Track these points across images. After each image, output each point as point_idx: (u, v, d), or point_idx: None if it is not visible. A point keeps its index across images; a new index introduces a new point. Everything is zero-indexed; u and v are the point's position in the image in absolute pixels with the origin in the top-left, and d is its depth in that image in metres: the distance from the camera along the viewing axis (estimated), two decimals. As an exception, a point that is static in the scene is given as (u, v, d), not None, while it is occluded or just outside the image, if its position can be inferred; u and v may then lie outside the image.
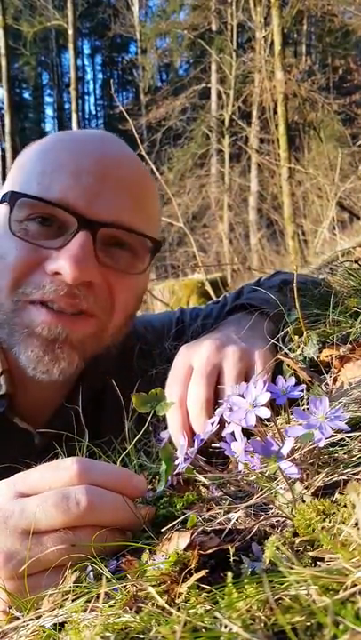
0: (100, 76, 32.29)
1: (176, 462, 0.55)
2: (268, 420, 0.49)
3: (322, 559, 0.36)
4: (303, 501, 0.43)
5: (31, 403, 0.88)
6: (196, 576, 0.37)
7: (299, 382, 0.55)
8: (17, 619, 0.46)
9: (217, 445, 0.55)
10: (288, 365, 0.67)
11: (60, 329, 0.76)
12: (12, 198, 0.76)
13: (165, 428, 0.71)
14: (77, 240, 0.74)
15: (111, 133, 0.91)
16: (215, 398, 0.67)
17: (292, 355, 0.73)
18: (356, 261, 0.96)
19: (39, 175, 0.78)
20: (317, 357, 0.70)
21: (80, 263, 0.73)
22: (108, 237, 0.79)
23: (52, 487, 0.51)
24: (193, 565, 0.38)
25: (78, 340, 0.78)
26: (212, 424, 0.57)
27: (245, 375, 0.69)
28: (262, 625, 0.31)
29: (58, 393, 0.89)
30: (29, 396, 0.87)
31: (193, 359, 0.71)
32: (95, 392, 0.92)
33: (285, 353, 0.70)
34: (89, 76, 32.04)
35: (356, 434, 0.48)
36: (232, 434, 0.52)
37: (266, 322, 0.79)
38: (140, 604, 0.38)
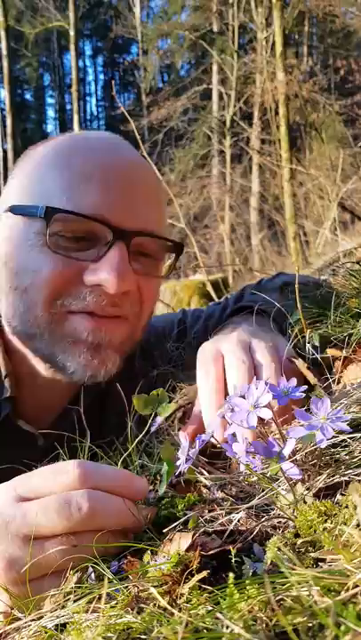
0: (101, 77, 32.37)
1: (177, 463, 0.55)
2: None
3: (323, 560, 0.36)
4: (305, 502, 0.43)
5: (35, 405, 0.88)
6: (197, 577, 0.37)
7: (302, 383, 0.55)
8: (19, 619, 0.46)
9: (219, 446, 0.55)
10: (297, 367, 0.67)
11: (103, 333, 0.78)
12: (49, 213, 0.75)
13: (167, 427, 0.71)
14: (116, 252, 0.76)
15: (117, 135, 0.92)
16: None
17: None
18: (357, 262, 0.95)
19: (66, 187, 0.77)
20: (320, 358, 0.70)
21: (122, 274, 0.75)
22: (136, 245, 0.80)
23: (53, 491, 0.51)
24: (194, 566, 0.38)
25: (119, 342, 0.81)
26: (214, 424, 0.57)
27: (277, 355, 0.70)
28: (264, 626, 0.31)
29: (62, 396, 0.90)
30: (34, 398, 0.87)
31: (222, 347, 0.73)
32: (98, 393, 0.92)
33: (294, 356, 0.70)
34: (90, 77, 32.10)
35: (358, 435, 0.48)
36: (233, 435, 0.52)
37: (269, 323, 0.80)
38: (142, 605, 0.38)
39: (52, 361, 0.81)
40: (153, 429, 0.65)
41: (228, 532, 0.43)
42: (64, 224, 0.76)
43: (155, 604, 0.37)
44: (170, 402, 0.64)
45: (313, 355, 0.71)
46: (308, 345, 0.72)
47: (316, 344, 0.71)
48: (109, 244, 0.76)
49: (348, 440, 0.48)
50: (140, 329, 0.86)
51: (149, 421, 0.66)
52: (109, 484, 0.51)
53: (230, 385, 0.68)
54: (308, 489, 0.44)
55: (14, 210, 0.81)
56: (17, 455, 0.70)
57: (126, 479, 0.53)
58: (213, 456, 0.64)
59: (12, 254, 0.81)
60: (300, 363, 0.67)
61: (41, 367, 0.85)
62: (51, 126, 31.27)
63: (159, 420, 0.64)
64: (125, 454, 0.67)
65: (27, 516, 0.49)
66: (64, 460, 0.71)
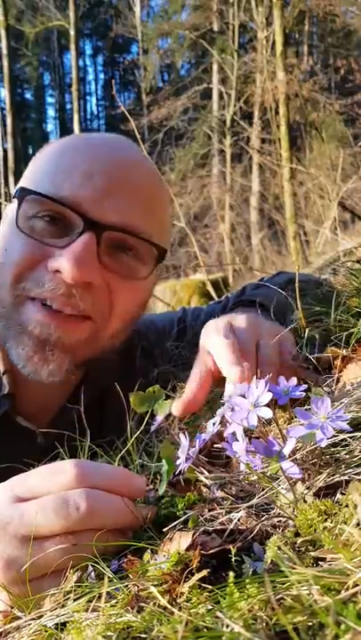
0: (101, 76, 32.35)
1: (177, 462, 0.55)
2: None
3: (323, 559, 0.36)
4: (305, 501, 0.43)
5: (34, 403, 0.88)
6: (197, 576, 0.37)
7: (301, 382, 0.55)
8: (19, 618, 0.46)
9: (219, 446, 0.55)
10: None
11: (52, 330, 0.76)
12: (22, 194, 0.77)
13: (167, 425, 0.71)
14: (81, 240, 0.75)
15: (126, 139, 0.92)
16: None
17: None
18: (358, 261, 0.95)
19: (52, 174, 0.79)
20: (319, 358, 0.70)
21: (80, 263, 0.73)
22: (114, 240, 0.79)
23: (51, 491, 0.50)
24: (195, 565, 0.38)
25: (70, 343, 0.78)
26: (214, 424, 0.57)
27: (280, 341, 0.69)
28: (264, 625, 0.31)
29: (60, 393, 0.90)
30: (32, 396, 0.87)
31: (232, 320, 0.71)
32: (98, 392, 0.92)
33: (295, 356, 0.70)
34: (91, 77, 32.09)
35: (358, 434, 0.48)
36: (234, 434, 0.52)
37: (270, 317, 0.79)
38: (142, 604, 0.38)
39: (5, 348, 0.80)
40: (153, 429, 0.65)
41: (228, 532, 0.43)
42: (39, 207, 0.77)
43: (155, 603, 0.37)
44: (167, 399, 0.64)
45: (313, 353, 0.71)
46: (307, 343, 0.72)
47: (317, 347, 0.71)
48: (79, 233, 0.75)
49: (349, 439, 0.48)
50: (106, 333, 0.82)
51: (146, 419, 0.66)
52: (107, 482, 0.51)
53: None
54: (308, 488, 0.44)
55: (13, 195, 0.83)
56: (16, 453, 0.70)
57: (125, 477, 0.53)
58: (213, 455, 0.64)
59: (1, 235, 0.84)
60: (298, 361, 0.67)
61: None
62: (51, 125, 31.30)
63: (159, 419, 0.64)
64: (123, 451, 0.67)
65: (25, 516, 0.49)
66: (63, 458, 0.71)
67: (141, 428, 0.67)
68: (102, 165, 0.79)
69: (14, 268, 0.77)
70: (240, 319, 0.71)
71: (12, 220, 0.80)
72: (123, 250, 0.81)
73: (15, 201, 0.80)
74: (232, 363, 0.61)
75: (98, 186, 0.77)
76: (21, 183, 0.84)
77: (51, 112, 31.76)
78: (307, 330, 0.73)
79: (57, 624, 0.42)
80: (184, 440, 0.52)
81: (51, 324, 0.75)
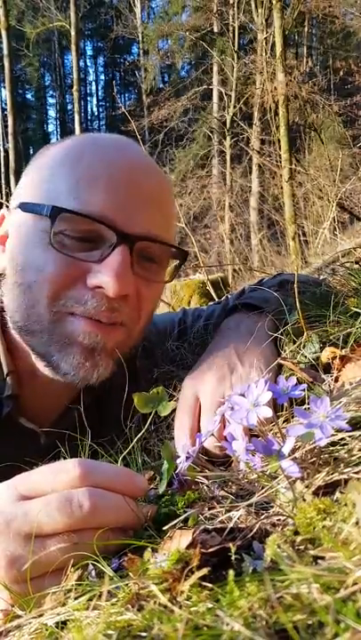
0: (102, 77, 32.38)
1: (177, 461, 0.56)
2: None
3: (323, 557, 0.36)
4: (304, 500, 0.43)
5: (37, 404, 0.89)
6: (197, 574, 0.37)
7: (300, 382, 0.56)
8: (19, 617, 0.47)
9: (218, 444, 0.55)
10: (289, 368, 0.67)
11: (98, 338, 0.78)
12: (54, 212, 0.76)
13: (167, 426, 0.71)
14: (118, 255, 0.76)
15: (127, 138, 0.92)
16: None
17: (293, 355, 0.74)
18: (356, 262, 0.96)
19: (73, 189, 0.78)
20: (318, 358, 0.70)
21: (122, 278, 0.75)
22: (139, 249, 0.81)
23: (55, 489, 0.51)
24: (195, 563, 0.38)
25: (112, 347, 0.81)
26: (214, 423, 0.57)
27: None
28: (264, 623, 0.31)
29: (64, 395, 0.90)
30: (35, 397, 0.88)
31: (199, 392, 0.74)
32: (99, 392, 0.92)
33: (285, 357, 0.71)
34: (91, 78, 32.11)
35: (357, 433, 0.48)
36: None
37: (266, 322, 0.80)
38: (142, 602, 0.38)
39: (47, 359, 0.81)
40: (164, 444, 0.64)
41: (228, 530, 0.43)
42: (69, 224, 0.77)
43: (155, 602, 0.37)
44: (170, 400, 0.64)
45: (311, 355, 0.71)
46: (307, 345, 0.73)
47: (316, 347, 0.72)
48: (113, 247, 0.77)
49: (348, 438, 0.48)
50: (135, 334, 0.86)
51: (149, 420, 0.66)
52: (110, 481, 0.51)
53: (203, 429, 0.69)
54: (307, 487, 0.44)
55: (23, 207, 0.82)
56: (19, 453, 0.70)
57: (127, 477, 0.53)
58: (214, 455, 0.64)
59: (18, 250, 0.82)
60: (291, 364, 0.67)
61: (39, 365, 0.85)
62: (52, 126, 31.32)
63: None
64: (125, 452, 0.67)
65: (28, 514, 0.49)
66: (65, 458, 0.72)
67: (144, 429, 0.68)
68: (123, 175, 0.80)
69: (51, 285, 0.77)
70: (210, 378, 0.74)
71: (38, 235, 0.79)
72: (147, 255, 0.83)
73: (40, 216, 0.78)
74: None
75: (123, 199, 0.79)
76: (32, 193, 0.82)
77: (52, 113, 31.80)
78: (305, 331, 0.74)
79: (57, 622, 0.42)
80: (184, 439, 0.52)
81: (97, 333, 0.78)
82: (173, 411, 0.79)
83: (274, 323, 0.81)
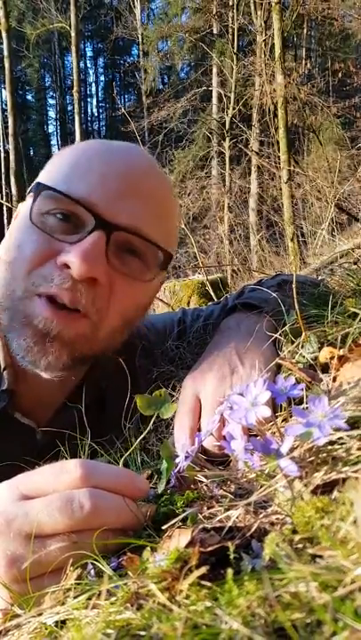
0: (102, 78, 32.40)
1: (176, 461, 0.56)
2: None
3: (321, 556, 0.37)
4: (302, 499, 0.43)
5: (34, 400, 0.89)
6: (196, 573, 0.37)
7: (298, 382, 0.56)
8: (19, 616, 0.47)
9: (217, 444, 0.56)
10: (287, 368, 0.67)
11: (54, 324, 0.77)
12: (38, 189, 0.79)
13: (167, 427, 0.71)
14: (91, 237, 0.77)
15: (143, 149, 0.95)
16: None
17: (291, 356, 0.74)
18: (355, 262, 0.96)
19: (68, 174, 0.81)
20: (316, 358, 0.70)
21: (88, 259, 0.75)
22: (122, 242, 0.80)
23: (56, 490, 0.51)
24: (194, 562, 0.38)
25: (69, 337, 0.79)
26: (213, 423, 0.57)
27: None
28: (262, 621, 0.31)
29: (60, 391, 0.90)
30: (32, 393, 0.88)
31: (200, 392, 0.74)
32: (98, 391, 0.92)
33: (283, 356, 0.71)
34: (91, 79, 32.13)
35: (355, 432, 0.48)
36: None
37: (265, 322, 0.80)
38: (142, 601, 0.38)
39: (5, 337, 0.82)
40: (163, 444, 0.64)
41: (226, 529, 0.43)
42: (54, 203, 0.79)
43: (154, 601, 0.37)
44: (171, 401, 0.64)
45: (309, 355, 0.71)
46: (305, 345, 0.73)
47: (314, 347, 0.72)
48: (90, 231, 0.77)
49: (346, 437, 0.48)
50: (103, 331, 0.82)
51: (151, 421, 0.66)
52: (111, 483, 0.52)
53: (203, 429, 0.69)
54: (305, 486, 0.45)
55: (28, 193, 0.86)
56: (15, 450, 0.70)
57: (128, 478, 0.53)
58: (212, 453, 0.64)
59: (10, 231, 0.85)
60: (289, 364, 0.67)
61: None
62: (52, 127, 31.29)
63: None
64: (127, 454, 0.68)
65: (29, 514, 0.50)
66: (64, 456, 0.72)
67: (145, 431, 0.68)
68: (117, 169, 0.81)
69: (26, 262, 0.79)
70: (211, 379, 0.73)
71: (24, 215, 0.82)
72: (130, 252, 0.83)
73: (30, 195, 0.82)
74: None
75: (112, 188, 0.79)
76: (38, 180, 0.86)
77: (52, 114, 31.79)
78: (304, 331, 0.74)
79: (57, 621, 0.42)
80: (183, 438, 0.52)
81: (53, 319, 0.77)
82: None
83: (273, 323, 0.81)
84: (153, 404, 0.62)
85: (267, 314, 0.82)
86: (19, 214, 0.87)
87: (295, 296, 0.76)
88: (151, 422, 0.66)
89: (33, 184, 0.84)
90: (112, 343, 0.86)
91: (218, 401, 0.70)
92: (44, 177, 0.86)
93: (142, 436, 0.67)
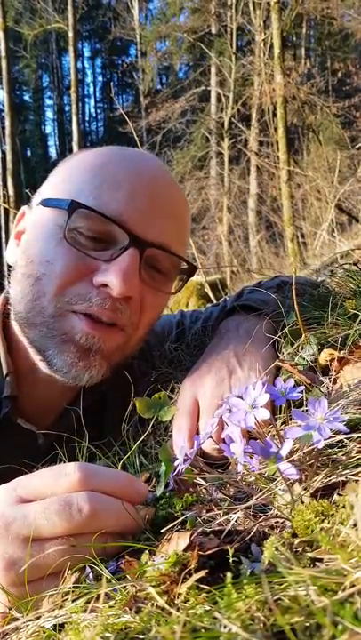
0: (100, 78, 32.39)
1: (175, 463, 0.55)
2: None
3: (321, 560, 0.37)
4: (302, 502, 0.43)
5: (36, 405, 0.89)
6: (195, 576, 0.37)
7: (298, 384, 0.56)
8: (17, 619, 0.46)
9: (216, 447, 0.55)
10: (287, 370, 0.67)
11: (96, 340, 0.79)
12: (73, 206, 0.78)
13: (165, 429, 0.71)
14: (128, 256, 0.77)
15: (151, 153, 0.95)
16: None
17: (291, 357, 0.74)
18: (355, 264, 0.96)
19: (95, 189, 0.80)
20: (316, 360, 0.70)
21: (129, 279, 0.76)
22: (149, 257, 0.82)
23: (54, 493, 0.51)
24: (192, 566, 0.38)
25: (109, 350, 0.81)
26: (212, 426, 0.57)
27: None
28: (261, 625, 0.31)
29: (62, 396, 0.90)
30: (34, 398, 0.88)
31: (198, 394, 0.74)
32: (98, 394, 0.92)
33: (283, 358, 0.71)
34: (89, 79, 32.13)
35: (355, 435, 0.48)
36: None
37: (264, 323, 0.80)
38: (140, 605, 0.38)
39: (43, 353, 0.82)
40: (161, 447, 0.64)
41: (225, 532, 0.43)
42: (85, 221, 0.78)
43: (153, 604, 0.37)
44: (170, 404, 0.64)
45: (309, 356, 0.71)
46: (304, 348, 0.73)
47: (314, 349, 0.72)
48: (124, 249, 0.78)
49: (346, 440, 0.48)
50: (133, 341, 0.86)
51: (151, 423, 0.66)
52: (110, 486, 0.51)
53: (201, 431, 0.70)
54: (305, 489, 0.44)
55: (44, 203, 0.84)
56: (17, 454, 0.70)
57: (127, 482, 0.53)
58: (212, 457, 0.64)
59: (32, 243, 0.84)
60: (289, 367, 0.67)
61: (36, 359, 0.85)
62: (49, 127, 31.27)
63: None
64: (125, 457, 0.67)
65: (27, 517, 0.49)
66: (64, 460, 0.72)
67: (145, 434, 0.68)
68: (145, 184, 0.82)
69: (59, 279, 0.78)
70: (209, 381, 0.73)
71: (53, 229, 0.80)
72: (155, 266, 0.85)
73: (58, 211, 0.80)
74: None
75: (141, 206, 0.81)
76: (54, 191, 0.85)
77: (49, 114, 31.78)
78: (304, 332, 0.74)
79: (55, 625, 0.42)
80: (182, 441, 0.52)
81: (95, 335, 0.78)
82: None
83: (272, 325, 0.81)
84: (152, 406, 0.62)
85: (266, 316, 0.82)
86: (36, 226, 0.85)
87: (295, 297, 0.76)
88: (150, 425, 0.66)
89: (60, 199, 0.81)
90: (136, 350, 0.90)
91: (216, 403, 0.70)
92: (62, 188, 0.84)
93: (141, 439, 0.67)
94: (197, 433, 0.70)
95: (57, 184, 0.86)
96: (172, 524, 0.47)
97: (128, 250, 0.78)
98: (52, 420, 0.90)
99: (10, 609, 0.48)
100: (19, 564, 0.48)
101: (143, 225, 0.80)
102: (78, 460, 0.73)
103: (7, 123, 12.62)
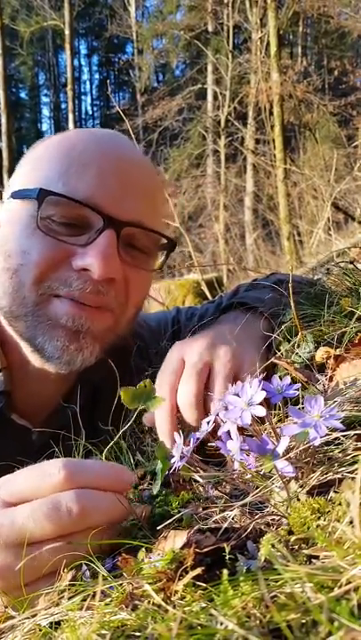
0: (96, 76, 32.27)
1: (172, 461, 0.55)
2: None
3: (317, 557, 0.37)
4: (298, 500, 0.43)
5: (30, 401, 0.89)
6: (192, 574, 0.37)
7: (294, 382, 0.56)
8: (13, 617, 0.46)
9: (213, 444, 0.55)
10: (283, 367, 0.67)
11: (83, 320, 0.78)
12: (42, 195, 0.77)
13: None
14: (104, 238, 0.77)
15: (120, 133, 0.93)
16: (204, 395, 0.69)
17: (287, 355, 0.74)
18: (351, 262, 0.96)
19: (63, 174, 0.79)
20: (312, 357, 0.70)
21: (108, 260, 0.76)
22: (127, 236, 0.81)
23: (41, 494, 0.49)
24: (189, 563, 0.38)
25: (99, 331, 0.80)
26: (208, 423, 0.57)
27: (235, 375, 0.70)
28: (258, 622, 0.31)
29: (56, 391, 0.90)
30: (28, 394, 0.87)
31: (186, 354, 0.73)
32: (92, 390, 0.92)
33: (280, 356, 0.71)
34: (85, 77, 32.04)
35: (351, 433, 0.48)
36: (228, 432, 0.52)
37: (261, 321, 0.80)
38: (137, 602, 0.38)
39: (33, 343, 0.81)
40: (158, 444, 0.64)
41: (222, 530, 0.43)
42: (57, 208, 0.78)
43: (149, 601, 0.37)
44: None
45: (305, 354, 0.71)
46: (301, 345, 0.73)
47: (310, 346, 0.72)
48: (99, 231, 0.77)
49: (342, 438, 0.48)
50: (124, 321, 0.86)
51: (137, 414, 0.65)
52: (97, 480, 0.50)
53: (183, 384, 0.70)
54: (301, 486, 0.45)
55: (15, 195, 0.83)
56: (11, 450, 0.70)
57: (114, 472, 0.52)
58: (208, 454, 0.64)
59: (8, 237, 0.83)
60: (285, 364, 0.67)
61: (27, 351, 0.85)
62: (45, 125, 31.18)
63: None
64: (110, 445, 0.67)
65: (15, 522, 0.48)
66: (58, 456, 0.71)
67: (128, 424, 0.67)
68: (112, 163, 0.81)
69: (36, 269, 0.78)
70: (198, 347, 0.73)
71: (26, 220, 0.80)
72: (134, 244, 0.84)
73: (23, 201, 0.80)
74: (160, 424, 0.70)
75: (112, 185, 0.80)
76: (24, 181, 0.84)
77: (45, 111, 31.67)
78: (300, 330, 0.74)
79: (51, 623, 0.42)
80: (178, 439, 0.52)
81: (82, 315, 0.78)
82: None
83: (269, 322, 0.81)
84: (138, 397, 0.61)
85: (263, 313, 0.82)
86: (10, 219, 0.84)
87: (291, 295, 0.76)
88: (134, 416, 0.65)
89: (30, 189, 0.80)
90: (129, 329, 0.89)
91: (204, 361, 0.70)
92: (29, 178, 0.83)
93: (123, 430, 0.66)
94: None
95: (25, 174, 0.85)
96: (168, 522, 0.47)
97: (104, 232, 0.77)
98: (45, 415, 0.90)
99: (6, 607, 0.48)
100: (12, 570, 0.47)
101: (116, 205, 0.79)
102: (73, 457, 0.73)
103: (3, 120, 12.59)
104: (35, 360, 0.84)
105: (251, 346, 0.74)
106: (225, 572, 0.35)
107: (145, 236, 0.84)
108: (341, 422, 0.44)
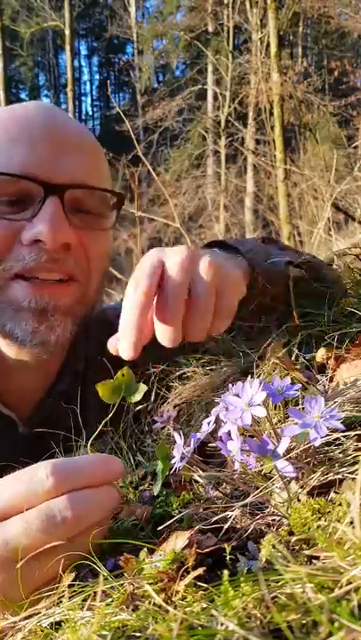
0: (96, 77, 32.29)
1: (172, 462, 0.55)
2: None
3: (317, 557, 0.37)
4: (299, 500, 0.43)
5: (15, 392, 0.88)
6: (193, 574, 0.37)
7: (294, 382, 0.56)
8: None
9: (213, 445, 0.55)
10: (284, 368, 0.67)
11: (47, 298, 0.77)
12: None
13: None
14: (49, 205, 0.75)
15: (53, 105, 0.92)
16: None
17: (288, 355, 0.74)
18: (357, 256, 0.96)
19: None
20: (313, 358, 0.70)
21: (57, 226, 0.74)
22: (71, 200, 0.79)
23: (29, 504, 0.46)
24: (190, 564, 0.38)
25: (67, 306, 0.79)
26: (209, 423, 0.57)
27: (217, 292, 0.62)
28: (258, 623, 0.31)
29: (38, 380, 0.89)
30: (13, 385, 0.87)
31: (166, 257, 0.62)
32: (77, 380, 0.91)
33: (280, 357, 0.71)
34: (86, 77, 32.05)
35: (352, 433, 0.48)
36: (228, 433, 0.52)
37: (244, 261, 0.74)
38: (137, 602, 0.38)
39: (3, 331, 0.80)
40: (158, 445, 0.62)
41: (223, 530, 0.43)
42: None
43: (150, 602, 0.37)
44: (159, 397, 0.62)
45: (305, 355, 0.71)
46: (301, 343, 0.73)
47: (311, 343, 0.72)
48: (42, 201, 0.76)
49: (342, 438, 0.48)
50: (91, 290, 0.84)
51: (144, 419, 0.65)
52: (87, 478, 0.48)
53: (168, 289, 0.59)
54: (302, 487, 0.45)
55: None
56: None
57: (102, 465, 0.50)
58: (208, 455, 0.64)
59: None
60: (286, 364, 0.67)
61: (2, 343, 0.84)
62: (45, 126, 31.14)
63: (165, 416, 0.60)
64: (92, 437, 0.66)
65: (8, 540, 0.46)
66: (47, 449, 0.70)
67: (109, 417, 0.65)
68: (41, 130, 0.79)
69: None
70: (180, 251, 0.62)
71: None
72: (82, 207, 0.82)
73: None
74: (125, 324, 0.59)
75: (44, 151, 0.78)
76: None
77: (45, 112, 31.63)
78: (299, 330, 0.74)
79: (52, 623, 0.42)
80: (178, 439, 0.52)
81: (43, 294, 0.76)
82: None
83: (249, 264, 0.74)
84: (117, 389, 0.57)
85: (244, 255, 0.76)
86: None
87: (291, 290, 0.75)
88: (114, 409, 0.61)
89: None
90: (99, 297, 0.87)
91: (186, 266, 0.60)
92: None
93: (107, 419, 0.62)
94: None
95: None
96: (169, 522, 0.47)
97: (47, 200, 0.75)
98: (32, 407, 0.89)
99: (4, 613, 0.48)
100: (13, 584, 0.45)
101: (52, 170, 0.77)
102: (63, 452, 0.71)
103: (3, 121, 12.57)
104: (10, 351, 0.83)
105: (235, 268, 0.69)
106: (226, 572, 0.35)
107: (91, 195, 0.82)
108: (342, 423, 0.44)
